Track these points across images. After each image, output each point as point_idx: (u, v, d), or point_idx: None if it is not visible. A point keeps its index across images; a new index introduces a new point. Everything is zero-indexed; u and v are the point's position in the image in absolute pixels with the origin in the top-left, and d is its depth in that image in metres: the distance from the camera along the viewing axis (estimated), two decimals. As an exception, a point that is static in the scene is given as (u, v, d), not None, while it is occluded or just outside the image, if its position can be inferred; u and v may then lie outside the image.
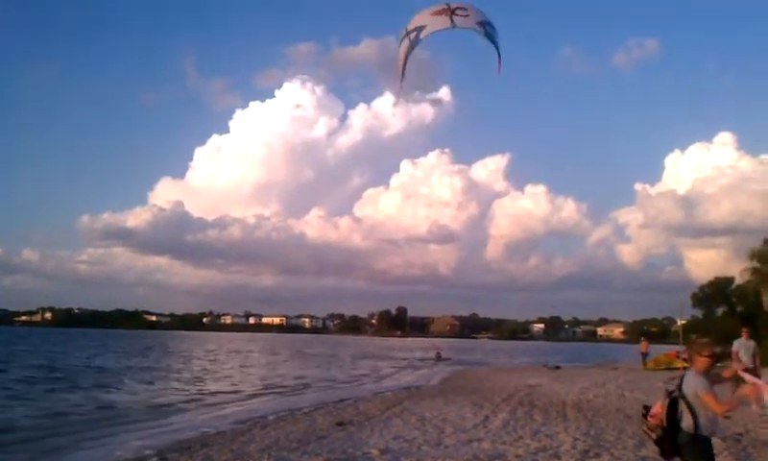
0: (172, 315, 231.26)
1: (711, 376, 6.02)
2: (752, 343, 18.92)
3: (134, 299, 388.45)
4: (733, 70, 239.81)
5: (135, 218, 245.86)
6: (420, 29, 11.81)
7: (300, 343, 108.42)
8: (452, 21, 11.53)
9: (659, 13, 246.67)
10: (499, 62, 12.00)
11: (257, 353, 66.81)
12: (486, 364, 54.02)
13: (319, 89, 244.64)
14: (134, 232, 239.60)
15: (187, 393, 26.41)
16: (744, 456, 10.92)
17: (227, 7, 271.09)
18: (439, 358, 57.97)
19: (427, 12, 11.70)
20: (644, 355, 41.70)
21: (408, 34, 11.97)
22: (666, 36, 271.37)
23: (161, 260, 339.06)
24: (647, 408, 6.35)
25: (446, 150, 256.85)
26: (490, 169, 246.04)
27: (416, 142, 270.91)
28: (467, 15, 11.57)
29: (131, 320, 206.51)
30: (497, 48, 11.91)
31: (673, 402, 6.01)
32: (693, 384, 5.89)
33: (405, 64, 12.23)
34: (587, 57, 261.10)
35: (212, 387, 28.95)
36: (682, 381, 6.02)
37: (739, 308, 56.60)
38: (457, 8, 11.54)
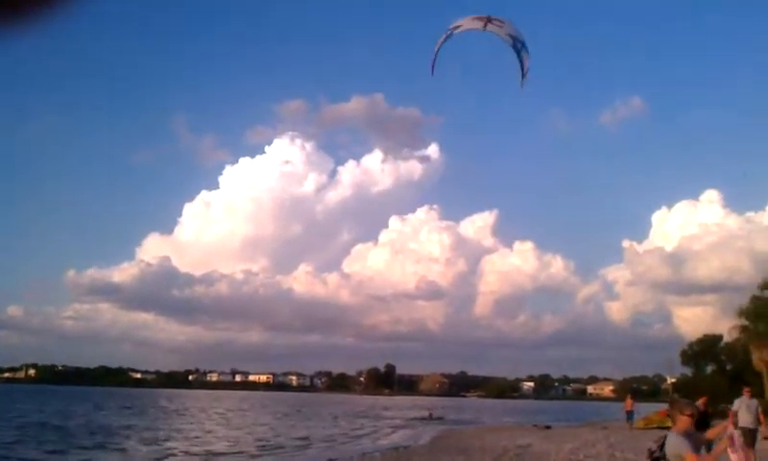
0: (157, 372, 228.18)
1: (695, 437, 6.01)
2: (754, 402, 18.55)
3: (119, 355, 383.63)
4: (718, 129, 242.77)
5: (122, 273, 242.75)
6: (457, 27, 12.87)
7: (289, 402, 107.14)
8: (485, 26, 12.32)
9: (643, 73, 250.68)
10: (523, 77, 12.47)
11: (245, 412, 65.99)
12: (478, 423, 53.51)
13: (309, 145, 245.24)
14: (121, 288, 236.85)
15: (189, 453, 26.06)
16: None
17: (218, 66, 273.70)
18: (431, 418, 57.31)
19: (469, 17, 12.59)
20: (629, 414, 40.79)
21: (448, 30, 13.11)
22: (651, 95, 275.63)
23: (147, 316, 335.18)
24: None
25: (435, 206, 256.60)
26: (478, 225, 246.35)
27: (405, 198, 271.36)
28: (501, 26, 12.45)
29: (115, 377, 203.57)
30: (522, 63, 12.36)
31: None
32: (675, 444, 5.87)
33: (437, 51, 13.31)
34: (573, 116, 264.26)
35: (210, 447, 28.58)
36: (663, 442, 6.01)
37: (728, 366, 56.64)
38: (495, 19, 12.37)
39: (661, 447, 6.01)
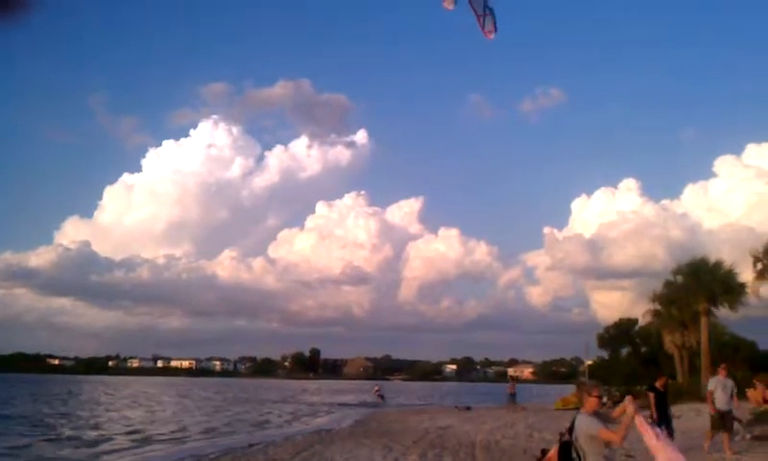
0: (76, 359, 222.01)
1: (603, 416, 6.19)
2: (730, 381, 17.24)
3: (36, 342, 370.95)
4: (636, 119, 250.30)
5: (38, 258, 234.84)
6: None
7: (210, 387, 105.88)
8: None
9: (562, 63, 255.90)
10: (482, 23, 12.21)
11: (164, 397, 64.87)
12: (401, 405, 53.99)
13: (236, 130, 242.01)
14: (37, 273, 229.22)
15: (83, 438, 25.47)
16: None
17: (139, 45, 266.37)
18: (381, 397, 56.66)
19: None
20: (512, 396, 40.54)
21: None
22: (570, 85, 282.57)
23: (65, 302, 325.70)
24: (544, 452, 6.47)
25: (362, 192, 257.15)
26: (404, 212, 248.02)
27: (332, 184, 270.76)
28: None
29: (32, 363, 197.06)
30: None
31: (564, 446, 6.14)
32: (585, 424, 6.04)
33: None
34: (495, 103, 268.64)
35: (117, 435, 27.95)
36: (573, 424, 6.16)
37: (643, 349, 58.63)
38: None
39: (571, 430, 6.15)
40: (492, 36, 12.58)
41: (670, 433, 13.75)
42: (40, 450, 21.46)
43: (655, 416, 15.39)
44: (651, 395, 16.29)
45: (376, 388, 59.46)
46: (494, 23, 12.39)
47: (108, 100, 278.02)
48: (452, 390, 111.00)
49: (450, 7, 9.41)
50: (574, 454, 6.01)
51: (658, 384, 16.90)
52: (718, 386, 16.92)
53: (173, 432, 29.11)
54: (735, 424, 17.98)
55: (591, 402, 6.13)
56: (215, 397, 69.25)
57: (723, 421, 16.80)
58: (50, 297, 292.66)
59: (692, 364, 44.61)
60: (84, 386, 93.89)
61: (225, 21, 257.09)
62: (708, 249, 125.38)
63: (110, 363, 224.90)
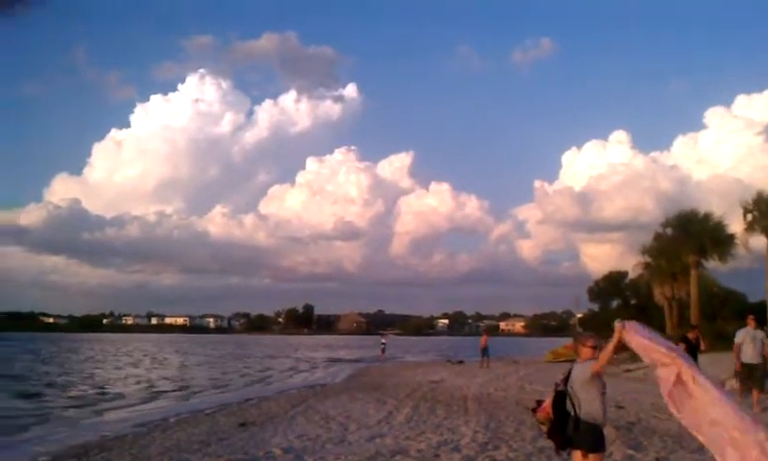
0: (70, 317, 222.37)
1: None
2: (760, 333, 16.07)
3: (29, 300, 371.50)
4: (627, 70, 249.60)
5: (29, 216, 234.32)
6: None
7: (206, 343, 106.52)
8: None
9: (553, 13, 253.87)
10: None
11: (161, 354, 65.23)
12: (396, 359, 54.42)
13: (225, 84, 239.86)
14: (28, 231, 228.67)
15: (87, 396, 25.68)
16: (636, 445, 11.40)
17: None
18: (383, 351, 56.65)
19: None
20: (484, 351, 39.98)
21: None
22: (561, 35, 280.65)
23: (57, 260, 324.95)
24: (539, 402, 6.55)
25: (353, 147, 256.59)
26: (395, 166, 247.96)
27: (322, 139, 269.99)
28: None
29: (25, 322, 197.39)
30: None
31: (558, 395, 6.23)
32: (580, 371, 6.13)
33: None
34: (484, 55, 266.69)
35: (113, 390, 28.20)
36: (569, 374, 6.24)
37: (633, 301, 59.12)
38: None
39: (566, 380, 6.22)
40: None
41: None
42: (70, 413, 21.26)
43: None
44: (682, 346, 15.15)
45: (383, 341, 58.88)
46: None
47: (90, 53, 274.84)
48: (445, 344, 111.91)
49: None
50: (569, 404, 6.09)
51: (690, 335, 16.30)
52: (747, 338, 15.73)
53: (168, 390, 29.33)
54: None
55: (586, 352, 6.20)
56: (212, 353, 69.70)
57: (752, 375, 15.79)
58: (42, 255, 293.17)
59: (682, 316, 44.97)
60: (84, 344, 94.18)
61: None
62: (698, 201, 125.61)
63: (105, 321, 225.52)
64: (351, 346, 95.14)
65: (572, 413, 6.06)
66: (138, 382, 32.42)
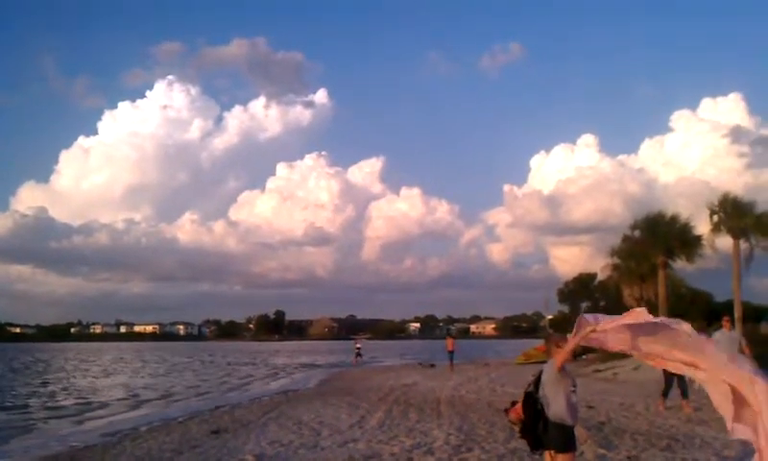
0: (38, 326, 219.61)
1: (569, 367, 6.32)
2: (736, 334, 15.89)
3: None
4: (594, 74, 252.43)
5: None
6: None
7: (177, 351, 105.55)
8: None
9: (521, 19, 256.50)
10: None
11: (133, 362, 64.56)
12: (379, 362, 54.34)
13: (194, 90, 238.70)
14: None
15: (57, 406, 25.34)
16: (606, 444, 11.52)
17: (85, 3, 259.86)
18: (359, 355, 56.50)
19: None
20: (450, 354, 40.21)
21: None
22: (529, 40, 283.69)
23: (23, 269, 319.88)
24: (513, 403, 6.58)
25: (323, 153, 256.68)
26: (366, 172, 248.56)
27: (292, 145, 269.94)
28: None
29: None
30: None
31: (528, 396, 6.26)
32: (549, 369, 6.16)
33: None
34: (453, 60, 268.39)
35: (95, 399, 27.87)
36: (540, 374, 6.27)
37: (602, 303, 59.71)
38: None
39: (537, 381, 6.25)
40: None
41: None
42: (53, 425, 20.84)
43: None
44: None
45: (358, 346, 58.71)
46: None
47: (57, 60, 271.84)
48: (417, 347, 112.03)
49: None
50: (539, 406, 6.13)
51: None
52: (723, 340, 14.65)
53: (151, 398, 29.03)
54: None
55: (558, 353, 6.24)
56: (182, 361, 69.05)
57: None
58: (8, 264, 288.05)
59: (650, 316, 45.51)
60: (56, 354, 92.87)
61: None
62: (665, 203, 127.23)
63: (73, 330, 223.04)
64: (323, 351, 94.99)
65: (546, 413, 6.10)
66: (120, 390, 32.08)
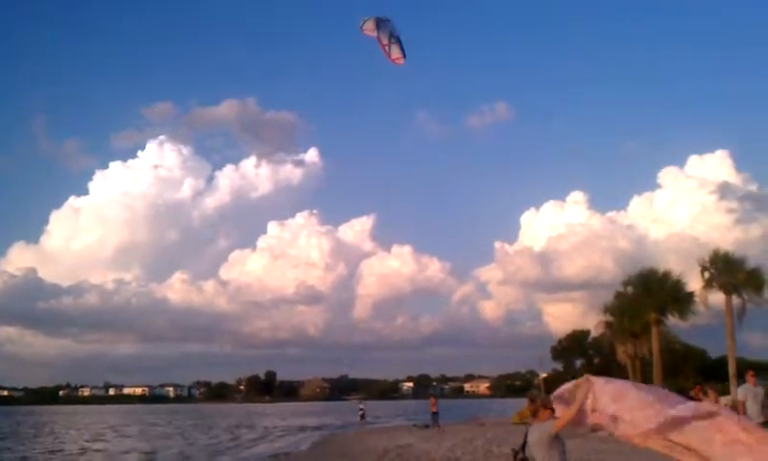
0: (26, 389, 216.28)
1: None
2: (761, 390, 15.05)
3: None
4: (582, 132, 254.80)
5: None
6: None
7: (167, 413, 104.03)
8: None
9: (506, 79, 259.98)
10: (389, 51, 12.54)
11: (125, 427, 63.53)
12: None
13: (185, 150, 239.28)
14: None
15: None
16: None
17: (76, 66, 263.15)
18: (363, 417, 55.86)
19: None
20: (434, 415, 39.70)
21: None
22: (515, 99, 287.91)
23: (11, 330, 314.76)
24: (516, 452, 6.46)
25: (315, 211, 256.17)
26: (357, 230, 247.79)
27: (283, 204, 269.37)
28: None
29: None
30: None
31: None
32: (538, 433, 6.05)
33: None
34: (441, 119, 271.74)
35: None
36: (525, 440, 6.17)
37: (596, 360, 59.51)
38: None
39: (524, 446, 6.15)
40: (402, 62, 13.06)
41: None
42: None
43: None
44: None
45: (361, 407, 58.16)
46: (402, 50, 12.91)
47: (48, 122, 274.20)
48: (410, 407, 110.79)
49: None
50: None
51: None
52: (749, 395, 14.63)
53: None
54: None
55: (547, 414, 6.15)
56: (173, 425, 67.98)
57: None
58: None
59: (645, 373, 45.29)
60: (46, 417, 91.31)
61: (165, 40, 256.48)
62: (656, 259, 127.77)
63: (61, 393, 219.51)
64: (316, 412, 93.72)
65: None
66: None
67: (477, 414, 59.90)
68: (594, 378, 6.11)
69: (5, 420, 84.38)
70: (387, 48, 12.40)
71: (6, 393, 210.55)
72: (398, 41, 12.52)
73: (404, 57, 12.93)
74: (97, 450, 35.51)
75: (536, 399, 6.52)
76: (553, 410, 6.13)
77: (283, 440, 40.85)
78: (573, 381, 6.24)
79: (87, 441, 43.88)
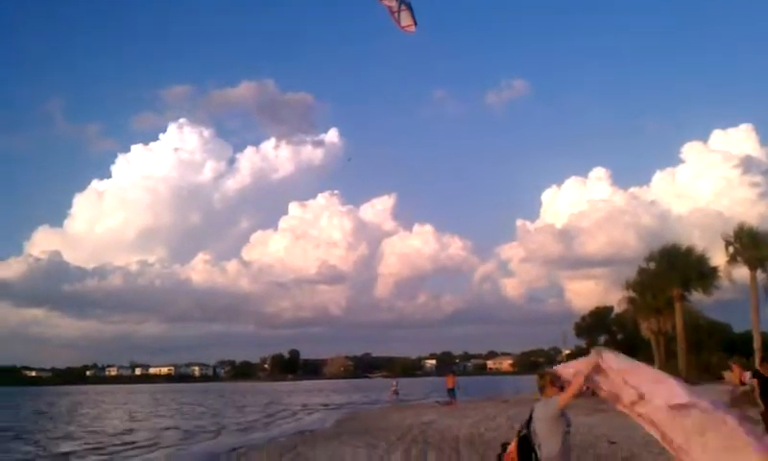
0: (53, 370, 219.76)
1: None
2: None
3: (11, 354, 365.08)
4: (603, 107, 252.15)
5: (9, 269, 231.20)
6: None
7: (194, 392, 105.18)
8: None
9: (524, 55, 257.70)
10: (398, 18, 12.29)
11: (156, 405, 64.38)
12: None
13: (207, 133, 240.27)
14: (8, 284, 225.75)
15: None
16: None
17: (95, 49, 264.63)
18: (396, 393, 56.34)
19: None
20: (450, 391, 39.68)
21: None
22: (533, 76, 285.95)
23: (38, 313, 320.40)
24: (504, 446, 6.47)
25: (336, 191, 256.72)
26: (378, 209, 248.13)
27: (304, 184, 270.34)
28: None
29: (8, 376, 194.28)
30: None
31: (522, 440, 6.16)
32: (543, 409, 6.06)
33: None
34: (458, 98, 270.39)
35: (115, 440, 27.85)
36: (530, 416, 6.18)
37: (620, 336, 59.27)
38: None
39: (528, 422, 6.16)
40: (413, 29, 12.68)
41: None
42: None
43: (762, 407, 12.50)
44: (755, 381, 12.69)
45: (394, 384, 58.61)
46: (413, 16, 12.54)
47: (67, 107, 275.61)
48: (433, 384, 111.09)
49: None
50: (534, 451, 6.02)
51: (762, 369, 12.99)
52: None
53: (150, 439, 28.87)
54: None
55: (554, 391, 6.15)
56: (201, 402, 68.75)
57: None
58: (23, 308, 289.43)
59: (669, 349, 45.12)
60: (77, 396, 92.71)
61: (182, 22, 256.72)
62: (679, 234, 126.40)
63: (88, 373, 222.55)
64: (340, 390, 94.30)
65: (535, 456, 5.97)
66: (116, 433, 31.96)
67: (500, 390, 59.93)
68: (607, 354, 6.09)
69: (38, 400, 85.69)
70: (396, 15, 12.14)
71: (34, 373, 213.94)
72: (409, 7, 12.30)
73: (415, 24, 12.66)
74: (132, 430, 35.94)
75: (544, 374, 6.51)
76: (561, 387, 6.11)
77: (309, 417, 41.22)
78: (584, 358, 6.23)
79: (126, 419, 44.66)
